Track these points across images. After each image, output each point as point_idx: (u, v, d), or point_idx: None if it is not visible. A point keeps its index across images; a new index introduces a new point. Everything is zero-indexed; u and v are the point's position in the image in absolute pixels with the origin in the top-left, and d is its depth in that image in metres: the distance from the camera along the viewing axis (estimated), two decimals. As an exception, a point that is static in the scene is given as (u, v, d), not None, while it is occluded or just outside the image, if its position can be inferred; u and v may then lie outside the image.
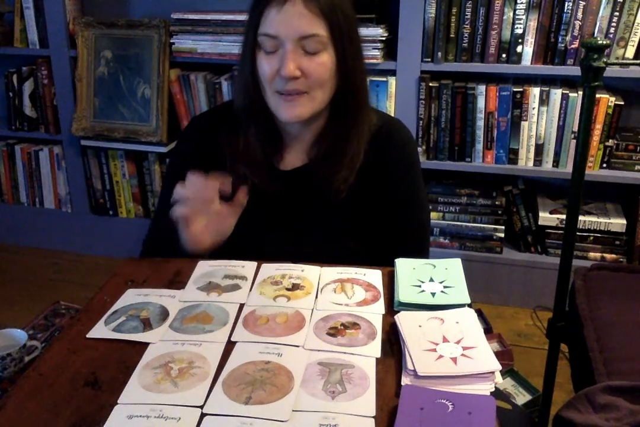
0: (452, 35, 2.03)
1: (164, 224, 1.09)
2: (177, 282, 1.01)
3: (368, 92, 1.17)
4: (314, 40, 1.02)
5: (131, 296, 0.97)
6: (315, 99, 1.06)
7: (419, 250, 1.19)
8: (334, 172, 1.12)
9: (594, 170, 2.06)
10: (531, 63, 2.01)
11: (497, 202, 2.18)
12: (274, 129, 1.15)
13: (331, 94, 1.09)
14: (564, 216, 2.00)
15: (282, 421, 0.71)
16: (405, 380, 0.77)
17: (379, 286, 0.99)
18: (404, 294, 0.93)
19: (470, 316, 0.88)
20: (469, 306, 0.90)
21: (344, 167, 1.12)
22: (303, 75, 1.03)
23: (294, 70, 1.01)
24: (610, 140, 2.03)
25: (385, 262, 1.06)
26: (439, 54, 2.04)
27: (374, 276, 1.02)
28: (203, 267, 1.05)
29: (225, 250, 1.09)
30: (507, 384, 1.71)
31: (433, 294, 0.93)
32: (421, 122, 2.13)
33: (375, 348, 0.84)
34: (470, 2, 1.97)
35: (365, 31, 2.00)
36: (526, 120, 2.06)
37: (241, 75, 1.12)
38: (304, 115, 1.07)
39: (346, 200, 1.14)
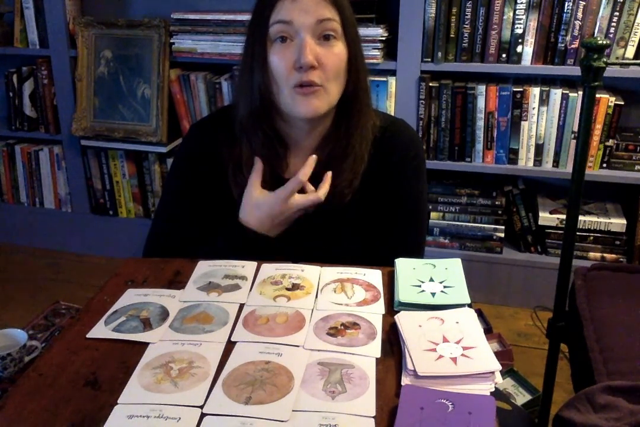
0: (452, 35, 2.03)
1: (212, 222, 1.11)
2: (177, 282, 1.01)
3: (370, 93, 1.17)
4: (329, 25, 1.02)
5: (131, 296, 0.97)
6: (330, 92, 1.06)
7: (415, 251, 1.19)
8: (336, 175, 1.11)
9: (594, 170, 2.06)
10: (531, 63, 2.01)
11: (497, 202, 2.18)
12: (278, 135, 1.14)
13: (342, 90, 1.08)
14: (564, 216, 2.00)
15: (282, 421, 0.71)
16: (405, 380, 0.77)
17: (379, 286, 0.99)
18: (404, 294, 0.93)
19: (470, 316, 0.87)
20: (469, 306, 0.90)
21: (347, 169, 1.12)
22: (320, 65, 1.02)
23: (313, 58, 1.01)
24: (610, 140, 2.03)
25: (380, 262, 1.06)
26: (439, 54, 2.04)
27: (374, 276, 1.02)
28: (203, 267, 1.05)
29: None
30: (507, 384, 1.71)
31: (433, 294, 0.93)
32: (421, 122, 2.13)
33: (375, 348, 0.84)
34: (470, 2, 1.97)
35: (365, 31, 2.01)
36: (526, 120, 2.06)
37: (247, 78, 1.09)
38: (320, 110, 1.06)
39: (351, 204, 1.13)
